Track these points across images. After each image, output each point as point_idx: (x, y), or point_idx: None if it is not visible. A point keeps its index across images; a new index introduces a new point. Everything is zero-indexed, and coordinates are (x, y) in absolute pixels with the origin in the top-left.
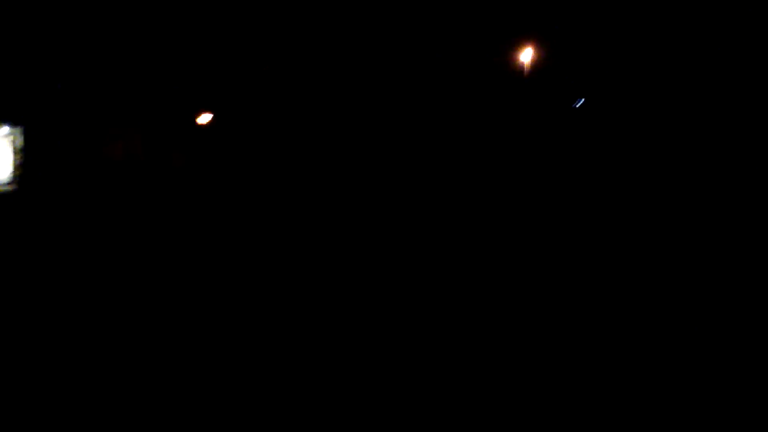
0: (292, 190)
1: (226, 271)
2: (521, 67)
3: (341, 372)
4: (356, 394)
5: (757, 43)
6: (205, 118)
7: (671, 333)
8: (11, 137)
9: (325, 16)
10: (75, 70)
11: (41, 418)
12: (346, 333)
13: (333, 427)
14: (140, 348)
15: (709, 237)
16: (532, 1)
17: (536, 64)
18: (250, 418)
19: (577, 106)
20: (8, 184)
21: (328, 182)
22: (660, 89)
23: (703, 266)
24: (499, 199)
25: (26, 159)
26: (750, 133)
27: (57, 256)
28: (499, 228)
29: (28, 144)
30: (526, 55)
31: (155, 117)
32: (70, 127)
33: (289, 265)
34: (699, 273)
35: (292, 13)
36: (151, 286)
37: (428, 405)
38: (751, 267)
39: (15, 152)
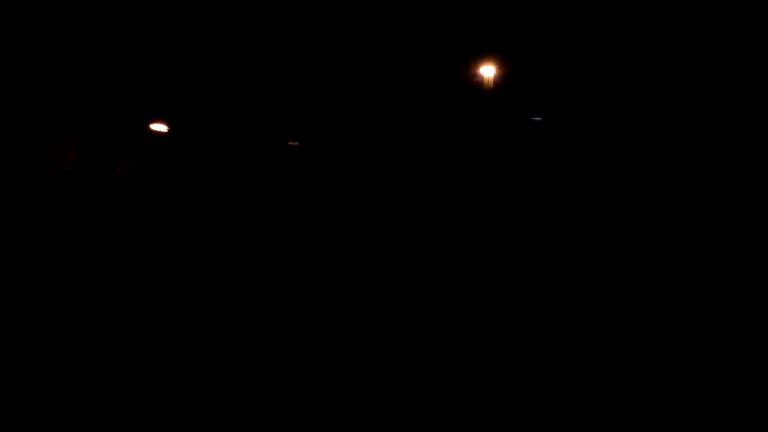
0: (242, 197)
1: (169, 280)
2: (483, 81)
3: (325, 375)
4: (351, 393)
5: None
6: (151, 126)
7: (650, 336)
8: None
9: (283, 23)
10: (14, 74)
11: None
12: (307, 342)
13: (332, 426)
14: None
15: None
16: (495, 16)
17: (499, 79)
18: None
19: (537, 120)
20: None
21: (282, 192)
22: (623, 105)
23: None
24: (466, 208)
25: None
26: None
27: None
28: (465, 236)
29: None
30: (488, 70)
31: (98, 124)
32: (8, 133)
33: (241, 276)
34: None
35: (249, 17)
36: (90, 294)
37: (426, 404)
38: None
39: None
